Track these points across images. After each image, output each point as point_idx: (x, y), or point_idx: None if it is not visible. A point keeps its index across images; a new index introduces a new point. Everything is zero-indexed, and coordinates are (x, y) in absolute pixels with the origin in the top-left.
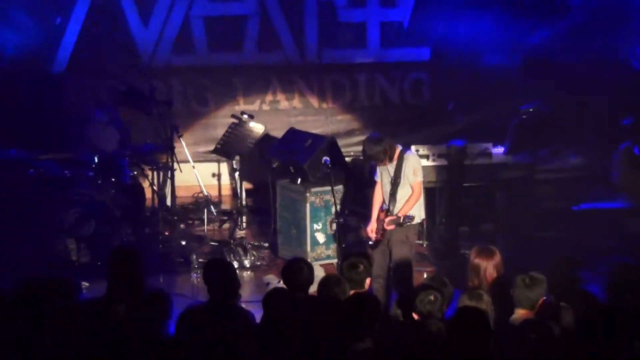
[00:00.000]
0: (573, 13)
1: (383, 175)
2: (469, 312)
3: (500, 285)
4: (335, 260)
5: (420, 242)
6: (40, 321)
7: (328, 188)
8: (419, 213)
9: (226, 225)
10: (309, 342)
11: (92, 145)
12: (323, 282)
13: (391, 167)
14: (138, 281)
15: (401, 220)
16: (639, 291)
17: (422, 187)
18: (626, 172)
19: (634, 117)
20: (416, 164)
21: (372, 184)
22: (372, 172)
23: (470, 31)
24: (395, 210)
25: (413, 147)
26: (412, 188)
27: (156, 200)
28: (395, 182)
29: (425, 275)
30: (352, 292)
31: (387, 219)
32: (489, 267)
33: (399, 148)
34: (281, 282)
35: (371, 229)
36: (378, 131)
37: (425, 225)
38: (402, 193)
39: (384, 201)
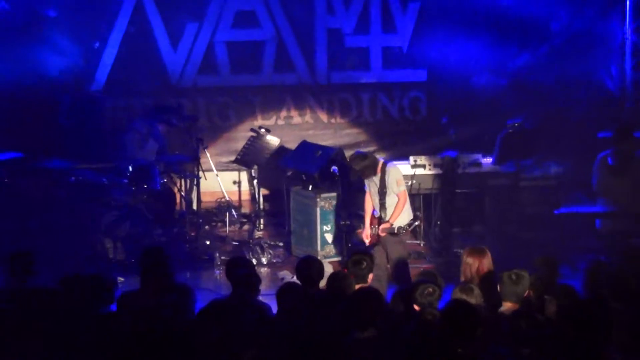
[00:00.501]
0: (553, 39)
1: (370, 186)
2: (461, 303)
3: (489, 280)
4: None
5: (418, 241)
6: (83, 312)
7: (336, 194)
8: (408, 216)
9: (246, 227)
10: (318, 331)
11: (130, 154)
12: (331, 277)
13: (377, 179)
14: (167, 276)
15: (395, 230)
16: (612, 285)
17: (407, 194)
18: (603, 179)
19: (610, 131)
20: (398, 176)
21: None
22: (363, 184)
23: (461, 55)
24: (387, 217)
25: (411, 158)
26: (397, 197)
27: (184, 205)
28: (382, 192)
29: (421, 269)
30: (357, 286)
31: (381, 227)
32: (480, 264)
33: (382, 161)
34: (294, 277)
35: (365, 235)
36: (380, 142)
37: (422, 226)
38: (390, 202)
39: (374, 208)
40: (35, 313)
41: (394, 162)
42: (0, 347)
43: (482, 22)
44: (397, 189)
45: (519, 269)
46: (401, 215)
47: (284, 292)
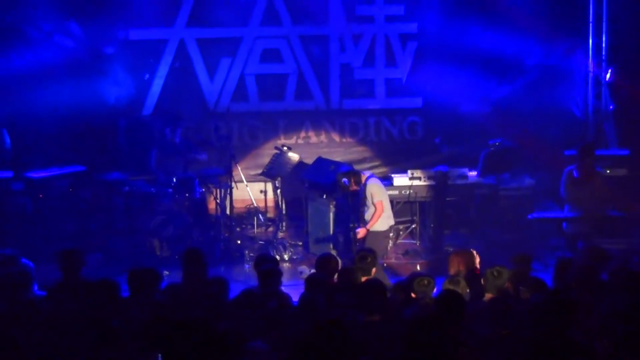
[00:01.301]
0: (528, 73)
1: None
2: (450, 292)
3: (473, 274)
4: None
5: (414, 241)
6: (139, 299)
7: (346, 201)
8: (386, 222)
9: (270, 229)
10: (333, 315)
11: (173, 167)
12: (342, 271)
13: (360, 191)
14: (204, 270)
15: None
16: (577, 278)
17: (383, 204)
18: (569, 189)
19: (575, 149)
20: (372, 189)
21: None
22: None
23: (451, 86)
24: (367, 225)
25: (409, 171)
26: (375, 207)
27: (218, 210)
28: (363, 203)
29: (418, 267)
30: (363, 278)
31: (358, 233)
32: (466, 262)
33: (365, 176)
34: (312, 270)
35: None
36: (383, 159)
37: (418, 229)
38: (369, 212)
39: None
40: (89, 303)
41: (372, 176)
42: (56, 334)
43: (469, 59)
44: (373, 200)
45: (500, 266)
46: (379, 221)
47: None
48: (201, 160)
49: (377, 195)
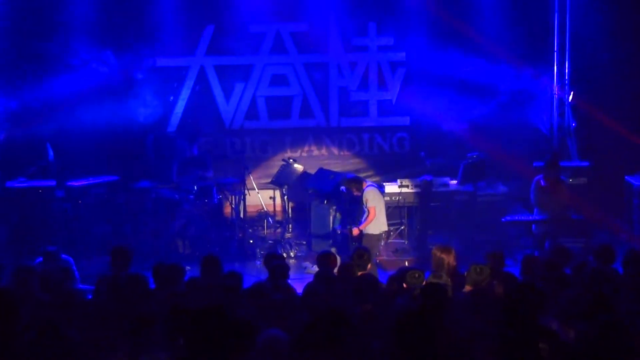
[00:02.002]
0: (500, 95)
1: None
2: (434, 284)
3: (454, 269)
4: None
5: (403, 241)
6: (164, 290)
7: (344, 206)
8: (378, 227)
9: (278, 230)
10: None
11: (194, 176)
12: (341, 267)
13: (359, 197)
14: (219, 266)
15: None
16: (543, 272)
17: (376, 210)
18: (537, 196)
19: (542, 161)
20: (367, 196)
21: None
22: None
23: (435, 107)
24: (361, 227)
25: (398, 180)
26: (368, 211)
27: (233, 214)
28: (360, 208)
29: (406, 263)
30: (359, 273)
31: (353, 230)
32: (447, 258)
33: (366, 184)
34: (315, 266)
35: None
36: (376, 169)
37: (406, 230)
38: (364, 216)
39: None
40: (129, 294)
41: (377, 185)
42: (104, 319)
43: (450, 83)
44: (367, 205)
45: (483, 264)
46: (372, 224)
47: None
48: (207, 177)
49: (371, 201)
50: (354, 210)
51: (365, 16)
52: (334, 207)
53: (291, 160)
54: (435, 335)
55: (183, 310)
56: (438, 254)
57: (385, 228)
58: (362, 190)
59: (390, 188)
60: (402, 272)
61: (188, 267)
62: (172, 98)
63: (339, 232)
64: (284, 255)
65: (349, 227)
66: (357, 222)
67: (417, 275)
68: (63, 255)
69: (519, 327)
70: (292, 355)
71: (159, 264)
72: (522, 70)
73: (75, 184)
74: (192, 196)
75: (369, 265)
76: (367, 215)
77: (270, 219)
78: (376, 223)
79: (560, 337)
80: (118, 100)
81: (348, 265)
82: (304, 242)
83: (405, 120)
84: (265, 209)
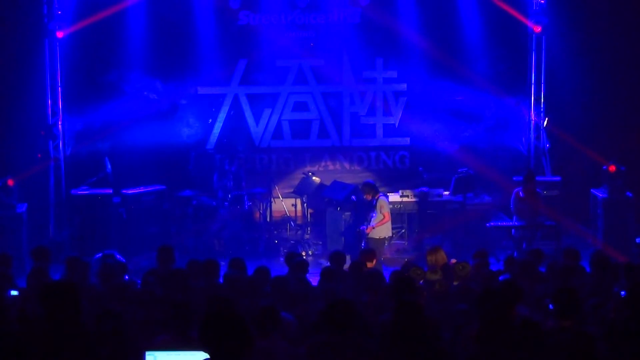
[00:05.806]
0: (486, 120)
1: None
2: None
3: (445, 264)
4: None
5: (404, 242)
6: (202, 282)
7: (354, 212)
8: (386, 232)
9: (299, 232)
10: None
11: (227, 186)
12: (352, 263)
13: (370, 204)
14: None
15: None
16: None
17: (387, 216)
18: (516, 205)
19: (520, 176)
20: (382, 203)
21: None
22: (371, 206)
23: (431, 130)
24: (375, 226)
25: (400, 191)
26: (383, 215)
27: (261, 218)
28: (368, 211)
29: (406, 260)
30: (368, 265)
31: (367, 229)
32: (437, 257)
33: (379, 193)
34: (328, 262)
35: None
36: (381, 182)
37: (407, 233)
38: (376, 218)
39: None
40: (174, 287)
41: (386, 195)
42: (152, 310)
43: (444, 110)
44: (382, 211)
45: (464, 262)
46: (380, 228)
47: (325, 271)
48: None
49: (385, 208)
50: (364, 213)
51: (374, 52)
52: (346, 213)
53: (310, 174)
54: (414, 345)
55: (219, 298)
56: (429, 257)
57: (390, 234)
58: (374, 196)
59: (393, 197)
60: (407, 268)
61: (222, 262)
62: (210, 121)
63: (358, 231)
64: (303, 253)
65: (358, 230)
66: (368, 223)
67: (419, 272)
68: (117, 255)
69: (501, 316)
70: (305, 336)
71: (193, 261)
72: (505, 99)
73: (129, 192)
74: (227, 203)
75: (374, 261)
76: (382, 219)
77: (292, 222)
78: (387, 227)
79: (536, 324)
80: (165, 122)
81: (357, 262)
82: (320, 242)
83: (406, 141)
84: (288, 214)
